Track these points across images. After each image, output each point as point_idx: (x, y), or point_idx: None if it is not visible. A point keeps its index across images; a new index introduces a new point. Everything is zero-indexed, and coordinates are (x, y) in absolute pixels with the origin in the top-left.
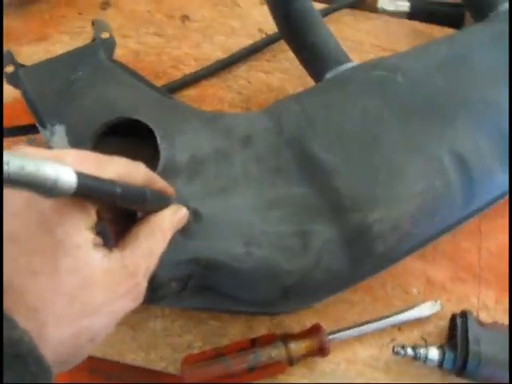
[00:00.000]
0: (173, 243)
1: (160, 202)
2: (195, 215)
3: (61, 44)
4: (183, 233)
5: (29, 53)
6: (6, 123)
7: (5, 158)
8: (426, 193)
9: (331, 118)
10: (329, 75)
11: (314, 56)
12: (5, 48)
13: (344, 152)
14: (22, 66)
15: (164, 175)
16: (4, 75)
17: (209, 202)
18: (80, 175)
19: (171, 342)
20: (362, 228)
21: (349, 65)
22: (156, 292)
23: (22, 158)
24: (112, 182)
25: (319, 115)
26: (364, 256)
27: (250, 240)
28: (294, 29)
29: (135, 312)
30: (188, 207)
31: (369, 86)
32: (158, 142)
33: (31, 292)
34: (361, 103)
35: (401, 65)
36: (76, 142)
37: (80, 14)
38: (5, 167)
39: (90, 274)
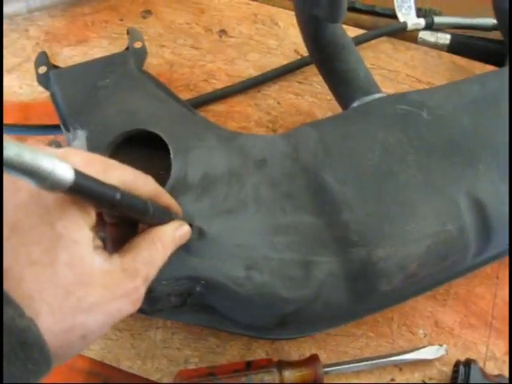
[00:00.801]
0: (174, 258)
1: (163, 217)
2: (200, 233)
3: (99, 48)
4: (185, 249)
5: (68, 54)
6: (37, 121)
7: (4, 144)
8: (437, 235)
9: (349, 149)
10: (355, 104)
11: (343, 83)
12: (47, 48)
13: (358, 185)
14: (56, 67)
15: (174, 190)
16: (36, 75)
17: (215, 222)
18: (78, 172)
19: (169, 355)
20: (367, 264)
21: (376, 95)
22: (154, 305)
23: (20, 146)
24: (113, 187)
25: (337, 145)
26: (367, 293)
27: (252, 264)
28: (324, 54)
29: (136, 320)
30: (193, 224)
31: (392, 119)
32: (172, 155)
33: (28, 281)
34: (381, 136)
35: (428, 101)
36: (94, 149)
37: (121, 20)
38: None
39: (88, 272)
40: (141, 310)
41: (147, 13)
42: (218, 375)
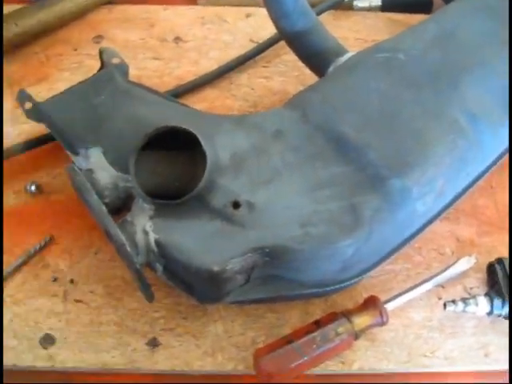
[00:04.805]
0: (233, 237)
1: None
2: (249, 206)
3: (62, 81)
4: (240, 225)
5: (33, 93)
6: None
7: None
8: (452, 152)
9: (351, 101)
10: (331, 67)
11: (317, 52)
12: (9, 94)
13: (371, 129)
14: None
15: (212, 174)
16: (24, 112)
17: (258, 193)
18: None
19: (235, 342)
20: (404, 192)
21: (349, 54)
22: (223, 288)
23: None
24: None
25: (340, 100)
26: (409, 219)
27: (305, 221)
28: (297, 28)
29: (193, 320)
30: (240, 200)
31: (376, 67)
32: (202, 144)
33: None
34: (374, 84)
35: (399, 45)
36: (115, 160)
37: (75, 50)
38: None
39: None
40: (208, 300)
41: (99, 38)
42: (295, 340)
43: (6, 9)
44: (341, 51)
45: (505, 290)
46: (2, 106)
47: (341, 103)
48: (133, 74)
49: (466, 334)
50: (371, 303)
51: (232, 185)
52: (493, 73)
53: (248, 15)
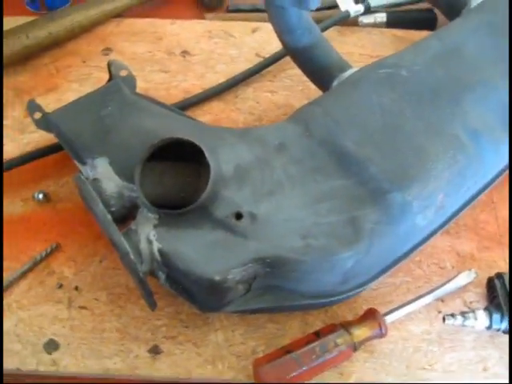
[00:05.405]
0: (235, 247)
1: None
2: (251, 217)
3: (71, 92)
4: (242, 235)
5: (42, 103)
6: None
7: None
8: (451, 167)
9: (354, 115)
10: (336, 82)
11: (321, 67)
12: (18, 102)
13: (372, 143)
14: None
15: (216, 185)
16: (34, 122)
17: (261, 205)
18: None
19: (235, 351)
20: (404, 205)
21: (353, 69)
22: (224, 297)
23: None
24: None
25: (342, 115)
26: (409, 232)
27: (306, 233)
28: (301, 43)
29: (194, 329)
30: (243, 211)
31: (379, 83)
32: (206, 156)
33: None
34: (376, 99)
35: (402, 61)
36: (121, 171)
37: (84, 61)
38: None
39: None
40: (209, 308)
41: (108, 50)
42: (294, 351)
43: (18, 21)
44: (344, 66)
45: (504, 305)
46: (2, 116)
47: (343, 118)
48: (140, 86)
49: (465, 348)
50: (371, 315)
51: (235, 196)
52: (494, 91)
53: (254, 30)
